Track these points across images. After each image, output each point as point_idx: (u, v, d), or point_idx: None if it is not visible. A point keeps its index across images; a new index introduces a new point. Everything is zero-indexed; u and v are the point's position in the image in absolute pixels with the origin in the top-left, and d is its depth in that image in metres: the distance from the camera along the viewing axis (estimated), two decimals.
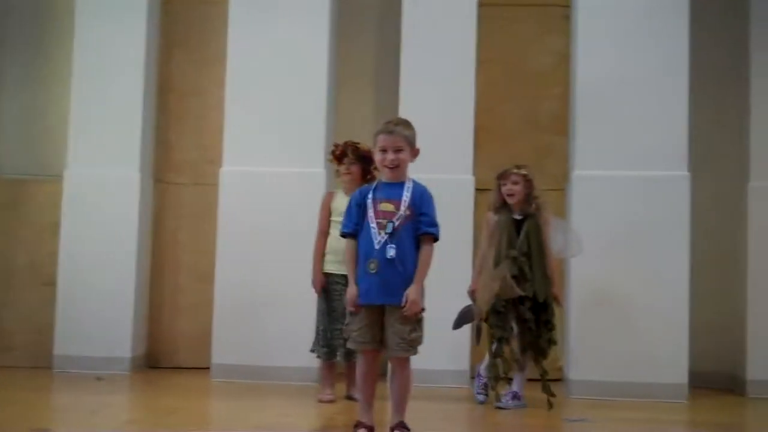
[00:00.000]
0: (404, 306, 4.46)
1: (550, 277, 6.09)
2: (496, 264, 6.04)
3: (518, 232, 6.09)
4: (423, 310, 4.55)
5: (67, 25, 7.77)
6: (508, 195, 6.14)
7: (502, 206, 6.20)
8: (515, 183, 6.14)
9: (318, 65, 7.27)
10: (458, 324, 6.14)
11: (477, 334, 6.16)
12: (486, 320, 6.03)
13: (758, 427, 6.03)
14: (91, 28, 7.59)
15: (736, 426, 5.96)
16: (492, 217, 6.22)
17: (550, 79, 7.88)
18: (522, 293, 5.94)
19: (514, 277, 5.95)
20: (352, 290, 4.54)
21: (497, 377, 5.96)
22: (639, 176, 6.73)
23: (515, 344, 6.07)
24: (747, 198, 7.06)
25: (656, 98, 6.78)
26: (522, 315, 5.98)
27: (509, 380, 6.05)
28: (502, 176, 6.19)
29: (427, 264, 4.56)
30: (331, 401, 6.02)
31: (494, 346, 5.98)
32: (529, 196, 6.16)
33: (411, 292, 4.47)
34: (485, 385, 6.16)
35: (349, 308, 4.57)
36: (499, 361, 5.96)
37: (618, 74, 6.84)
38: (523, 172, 6.17)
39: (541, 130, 7.87)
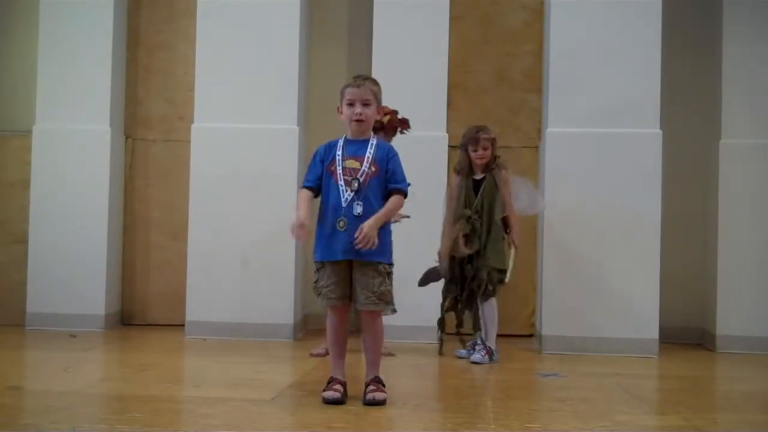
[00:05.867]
0: (357, 239, 4.39)
1: (498, 232, 6.22)
2: (455, 224, 6.20)
3: (476, 192, 6.23)
4: (391, 264, 4.56)
5: None
6: (479, 159, 6.24)
7: (466, 167, 6.30)
8: (485, 148, 6.25)
9: (291, 19, 7.18)
10: (423, 282, 6.35)
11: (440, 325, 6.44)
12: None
13: (726, 382, 6.10)
14: None
15: (704, 380, 6.03)
16: (455, 180, 6.36)
17: (524, 36, 7.85)
18: (469, 252, 6.14)
19: (465, 235, 6.14)
20: (300, 215, 4.48)
21: (443, 331, 6.41)
22: (611, 133, 6.73)
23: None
24: (718, 155, 7.09)
25: (629, 55, 6.76)
26: (466, 273, 6.18)
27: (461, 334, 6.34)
28: (473, 142, 6.25)
29: (391, 210, 4.52)
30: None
31: (446, 303, 6.32)
32: (492, 158, 6.29)
33: (366, 226, 4.41)
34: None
35: (293, 235, 4.49)
36: (445, 316, 6.36)
37: (591, 31, 6.82)
38: (492, 135, 6.30)
39: (514, 87, 7.85)
